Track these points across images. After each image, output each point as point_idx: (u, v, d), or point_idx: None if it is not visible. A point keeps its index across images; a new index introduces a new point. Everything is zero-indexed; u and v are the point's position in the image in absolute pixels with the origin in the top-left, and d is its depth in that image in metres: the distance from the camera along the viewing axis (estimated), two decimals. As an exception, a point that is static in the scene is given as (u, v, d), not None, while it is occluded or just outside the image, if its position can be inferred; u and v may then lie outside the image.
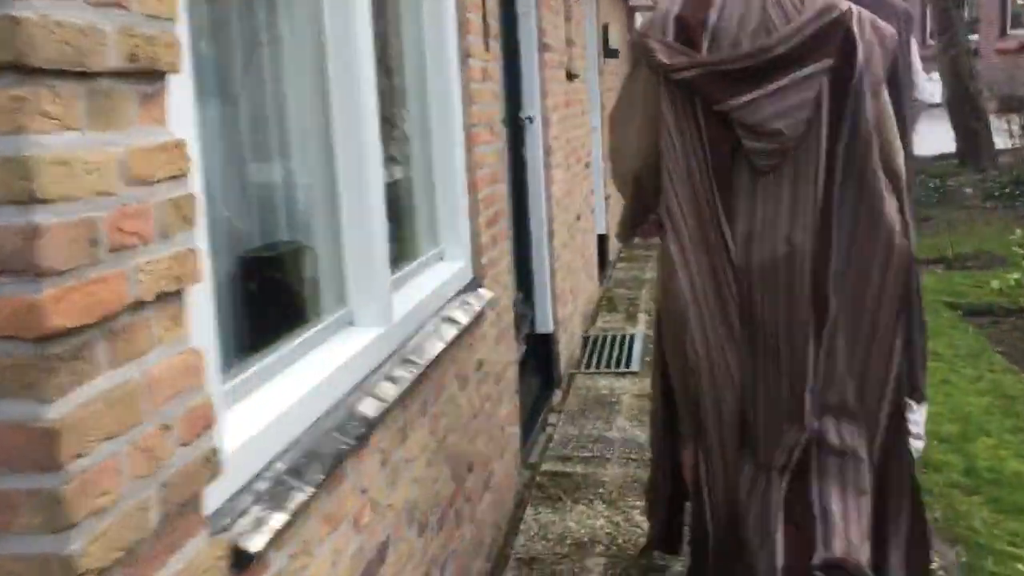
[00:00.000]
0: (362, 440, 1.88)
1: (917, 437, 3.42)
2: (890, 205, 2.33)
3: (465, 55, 2.95)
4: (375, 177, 2.16)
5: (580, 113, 5.96)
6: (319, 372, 1.88)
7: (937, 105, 17.45)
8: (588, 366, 5.27)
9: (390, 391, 2.07)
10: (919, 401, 3.39)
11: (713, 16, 2.29)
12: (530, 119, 4.47)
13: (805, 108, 2.26)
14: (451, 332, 2.61)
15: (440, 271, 2.87)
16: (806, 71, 2.26)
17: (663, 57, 2.29)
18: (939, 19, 13.22)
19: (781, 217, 2.32)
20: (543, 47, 4.56)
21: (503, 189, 3.44)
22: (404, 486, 2.15)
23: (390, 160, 2.98)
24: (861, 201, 2.33)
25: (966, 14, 15.47)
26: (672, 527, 2.79)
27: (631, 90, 2.48)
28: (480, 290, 3.03)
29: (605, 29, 7.73)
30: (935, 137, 16.02)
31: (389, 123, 2.91)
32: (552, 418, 4.43)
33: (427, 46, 2.82)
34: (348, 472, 1.83)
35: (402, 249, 2.88)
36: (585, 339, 5.75)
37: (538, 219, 4.58)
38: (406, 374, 2.19)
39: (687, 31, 2.30)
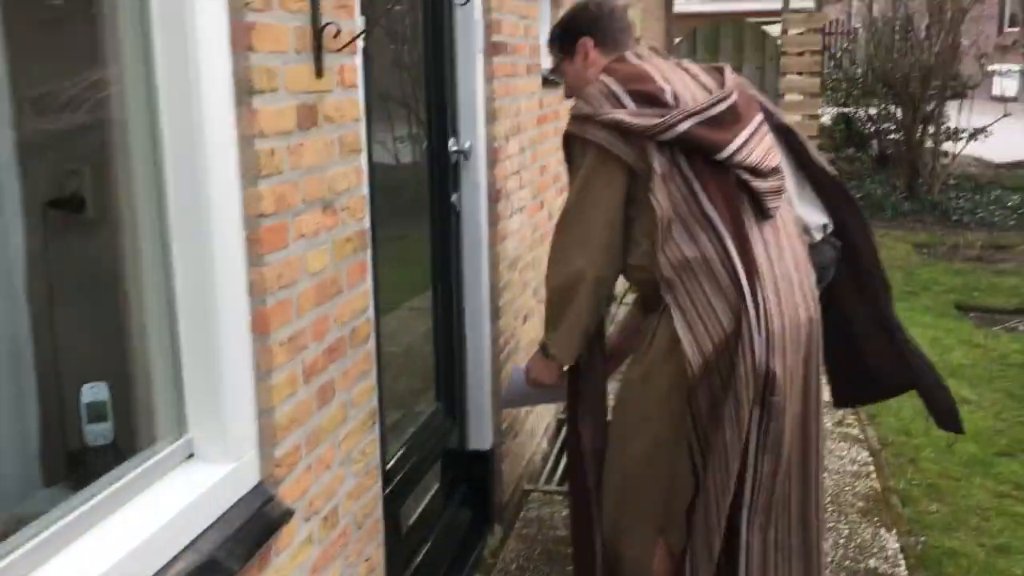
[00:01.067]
0: None
1: None
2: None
3: (246, 86, 1.61)
4: None
5: (569, 127, 4.57)
6: None
7: (1013, 100, 15.70)
8: (552, 476, 3.94)
9: None
10: None
11: (665, 85, 2.24)
12: (463, 154, 3.12)
13: (776, 148, 2.35)
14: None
15: (176, 489, 1.56)
16: (758, 118, 2.32)
17: (644, 121, 2.16)
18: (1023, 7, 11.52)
19: (788, 267, 2.26)
20: (493, 48, 3.18)
21: (364, 298, 2.10)
22: None
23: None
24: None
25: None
26: None
27: (586, 188, 2.25)
28: (270, 505, 1.71)
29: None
30: (1010, 139, 14.32)
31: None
32: (475, 584, 3.12)
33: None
34: None
35: (90, 461, 1.59)
36: (560, 423, 4.41)
37: (475, 294, 3.24)
38: None
39: (648, 99, 2.21)
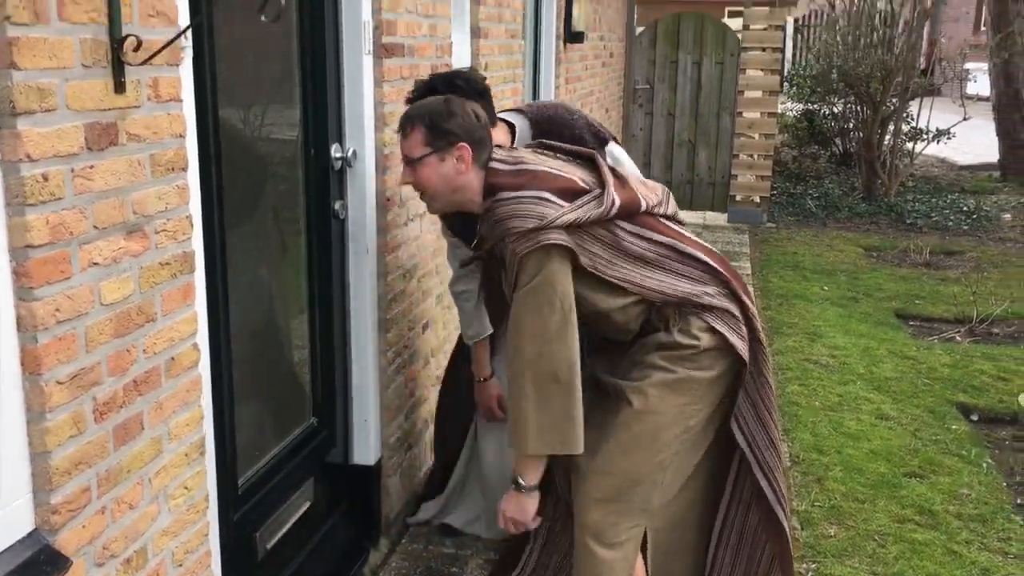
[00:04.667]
0: None
1: None
2: None
3: (6, 107, 1.48)
4: None
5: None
6: None
7: (986, 99, 15.74)
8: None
9: None
10: None
11: (567, 174, 2.36)
12: (347, 161, 2.99)
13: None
14: None
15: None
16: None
17: (592, 211, 2.26)
18: (996, 15, 11.46)
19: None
20: (384, 50, 3.05)
21: (188, 324, 1.98)
22: None
23: None
24: None
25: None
26: None
27: (551, 285, 2.21)
28: (43, 554, 1.60)
29: (568, 3, 6.18)
30: (978, 141, 14.30)
31: None
32: (346, 607, 3.02)
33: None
34: None
35: None
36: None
37: (361, 305, 3.12)
38: None
39: (573, 192, 2.29)
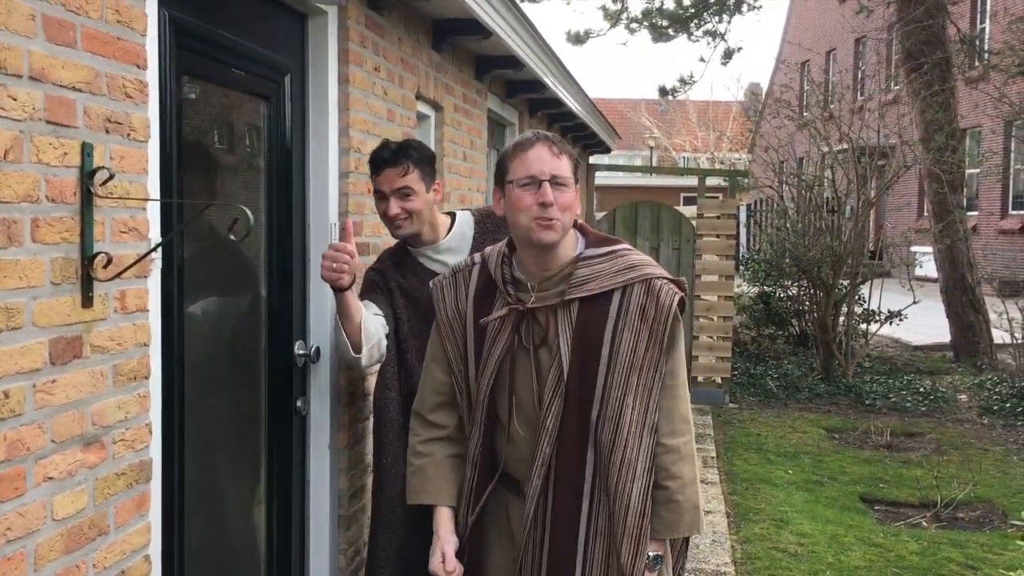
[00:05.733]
0: None
1: None
2: None
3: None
4: None
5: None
6: None
7: (934, 281, 16.28)
8: None
9: None
10: None
11: None
12: (310, 358, 3.02)
13: None
14: None
15: None
16: None
17: None
18: (936, 204, 12.07)
19: None
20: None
21: (141, 535, 1.93)
22: None
23: None
24: None
25: (965, 193, 14.40)
26: None
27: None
28: None
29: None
30: (930, 321, 14.72)
31: None
32: None
33: None
34: None
35: None
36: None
37: (320, 502, 3.07)
38: None
39: None
